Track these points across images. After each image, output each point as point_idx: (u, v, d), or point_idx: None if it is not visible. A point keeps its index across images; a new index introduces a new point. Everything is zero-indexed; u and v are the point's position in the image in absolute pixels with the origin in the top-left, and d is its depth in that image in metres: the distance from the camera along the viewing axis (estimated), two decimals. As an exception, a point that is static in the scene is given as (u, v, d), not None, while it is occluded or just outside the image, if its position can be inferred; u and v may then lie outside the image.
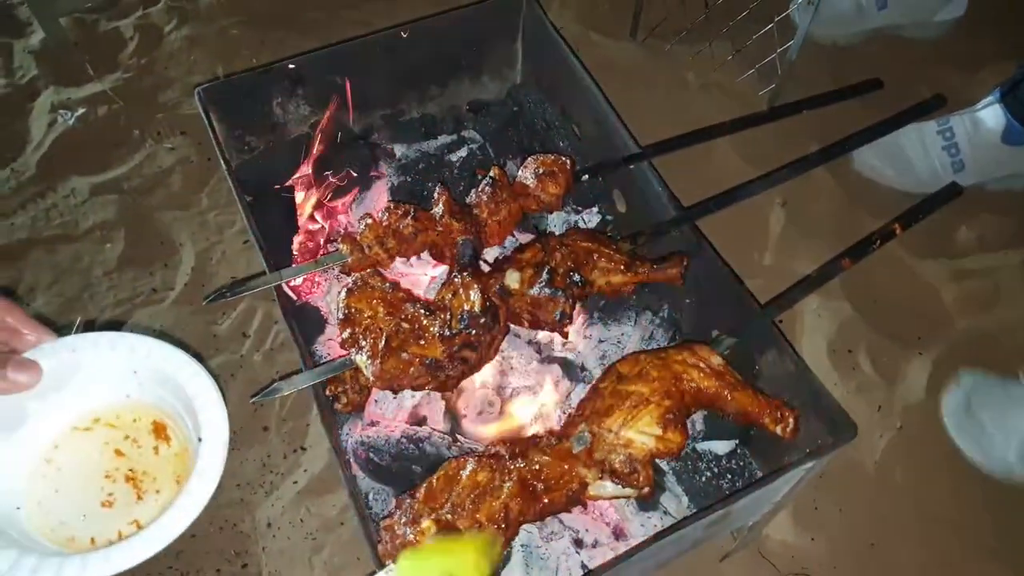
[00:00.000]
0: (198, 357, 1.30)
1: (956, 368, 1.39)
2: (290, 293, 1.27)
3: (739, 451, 1.13)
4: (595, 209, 1.33)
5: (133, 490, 0.78)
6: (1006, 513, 1.25)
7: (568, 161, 1.11)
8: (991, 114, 1.53)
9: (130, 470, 0.79)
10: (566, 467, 0.88)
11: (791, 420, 0.93)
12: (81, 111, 1.73)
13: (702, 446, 1.13)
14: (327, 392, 1.09)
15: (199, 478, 0.75)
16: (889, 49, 1.82)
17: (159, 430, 0.81)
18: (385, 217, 1.04)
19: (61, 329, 0.79)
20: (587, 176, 1.12)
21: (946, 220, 1.56)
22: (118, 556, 0.69)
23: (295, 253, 1.28)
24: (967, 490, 1.28)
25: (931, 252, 1.54)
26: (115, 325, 1.44)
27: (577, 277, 1.00)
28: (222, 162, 1.17)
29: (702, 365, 0.92)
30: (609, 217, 1.33)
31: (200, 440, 0.77)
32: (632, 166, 1.15)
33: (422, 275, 1.26)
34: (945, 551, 1.22)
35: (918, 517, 1.25)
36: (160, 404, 0.82)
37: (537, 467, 0.87)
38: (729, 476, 1.11)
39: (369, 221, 1.04)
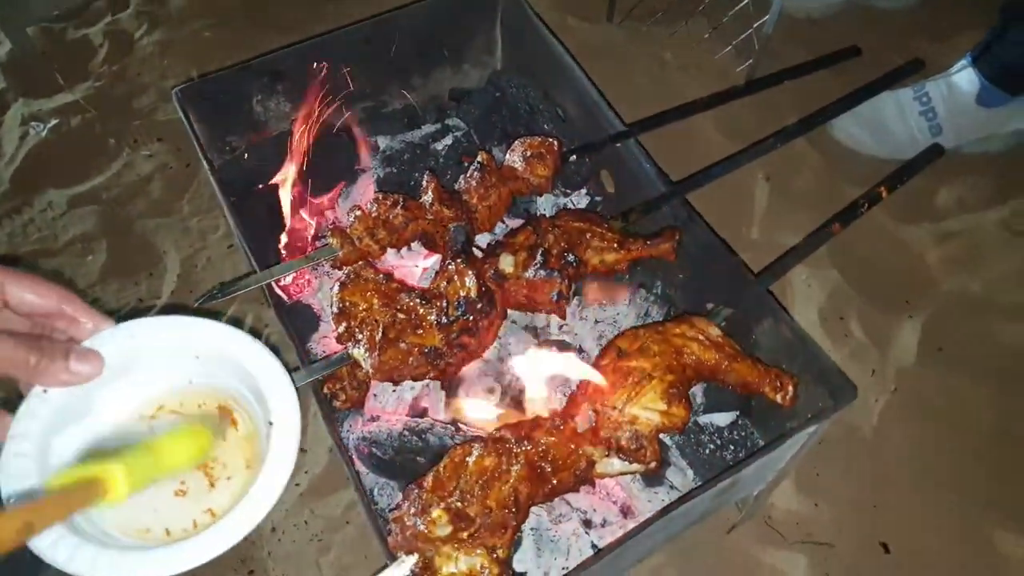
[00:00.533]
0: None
1: (944, 330, 1.41)
2: (281, 293, 1.26)
3: (740, 422, 1.14)
4: (584, 191, 1.34)
5: (205, 478, 0.74)
6: (1001, 465, 1.27)
7: (555, 142, 1.11)
8: (965, 78, 1.55)
9: (200, 454, 0.74)
10: (572, 447, 0.88)
11: (790, 387, 0.93)
12: (53, 122, 1.71)
13: (703, 419, 1.14)
14: (325, 390, 1.08)
15: (273, 463, 0.71)
16: (863, 21, 1.83)
17: (225, 414, 0.77)
18: (374, 208, 1.03)
19: (117, 316, 0.76)
20: (574, 156, 1.12)
21: (926, 185, 1.58)
22: (197, 548, 0.66)
23: (283, 252, 1.27)
24: (963, 446, 1.29)
25: (913, 217, 1.55)
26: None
27: (571, 257, 0.99)
28: (204, 163, 1.16)
29: (701, 337, 0.93)
30: (598, 198, 1.33)
31: (271, 424, 0.74)
32: (619, 144, 1.15)
33: (413, 266, 1.25)
34: (945, 507, 1.24)
35: (917, 476, 1.27)
36: (225, 388, 0.78)
37: (544, 449, 0.87)
38: (732, 447, 1.12)
39: (358, 213, 1.03)
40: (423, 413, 1.14)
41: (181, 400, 0.77)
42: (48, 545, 0.63)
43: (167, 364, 0.76)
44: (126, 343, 0.72)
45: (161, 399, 0.76)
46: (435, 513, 0.82)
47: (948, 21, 1.83)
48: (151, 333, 0.74)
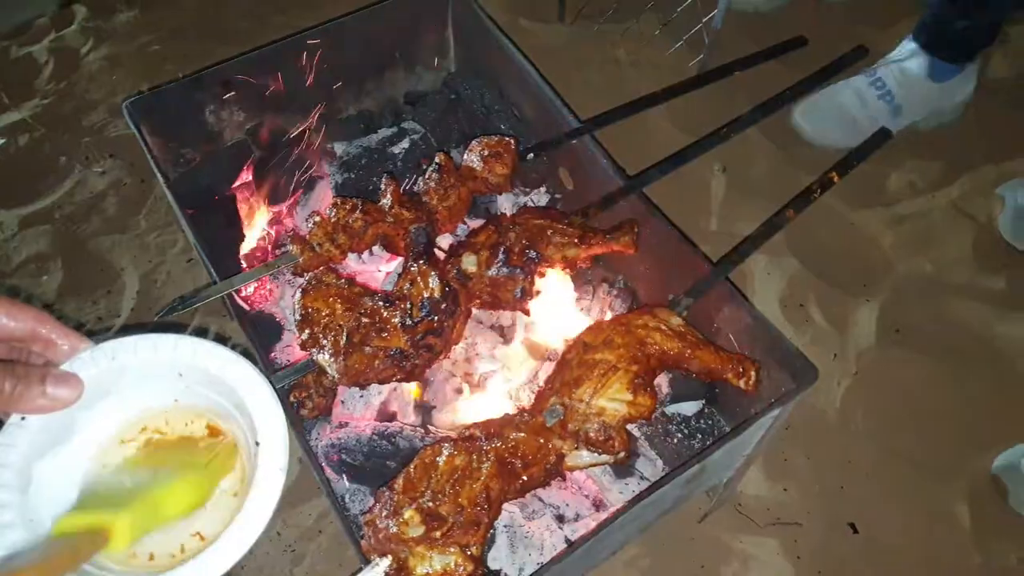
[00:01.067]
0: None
1: (900, 311, 1.44)
2: (242, 303, 1.24)
3: (707, 410, 1.16)
4: (543, 189, 1.34)
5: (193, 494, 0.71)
6: (960, 441, 1.31)
7: (511, 141, 1.11)
8: (913, 58, 1.59)
9: (185, 472, 0.71)
10: (541, 441, 0.88)
11: (752, 373, 0.95)
12: (0, 142, 1.67)
13: (671, 409, 1.15)
14: (291, 399, 1.07)
15: (262, 485, 0.68)
16: (809, 13, 1.87)
17: (214, 434, 0.75)
18: (333, 213, 1.02)
19: (94, 335, 0.74)
20: (532, 154, 1.13)
21: (877, 170, 1.62)
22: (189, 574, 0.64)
23: (243, 262, 1.26)
24: (924, 424, 1.32)
25: (866, 202, 1.59)
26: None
27: (533, 253, 1.00)
28: (158, 176, 1.14)
29: (663, 327, 0.94)
30: (558, 195, 1.34)
31: (257, 444, 0.70)
32: (575, 141, 1.16)
33: (376, 271, 1.25)
34: (909, 484, 1.27)
35: (881, 456, 1.29)
36: (211, 406, 0.76)
37: (513, 445, 0.87)
38: (700, 435, 1.13)
39: (317, 219, 1.02)
40: (392, 417, 1.14)
41: (166, 420, 0.75)
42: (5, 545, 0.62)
43: (150, 384, 0.74)
44: (106, 364, 0.70)
45: (144, 420, 0.74)
46: (407, 514, 0.82)
47: (888, 9, 1.88)
48: (132, 352, 0.72)
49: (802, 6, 1.88)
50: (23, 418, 0.65)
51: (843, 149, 1.61)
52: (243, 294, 1.25)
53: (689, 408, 1.14)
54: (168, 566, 0.66)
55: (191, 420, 0.75)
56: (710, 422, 1.15)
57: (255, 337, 1.04)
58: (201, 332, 1.40)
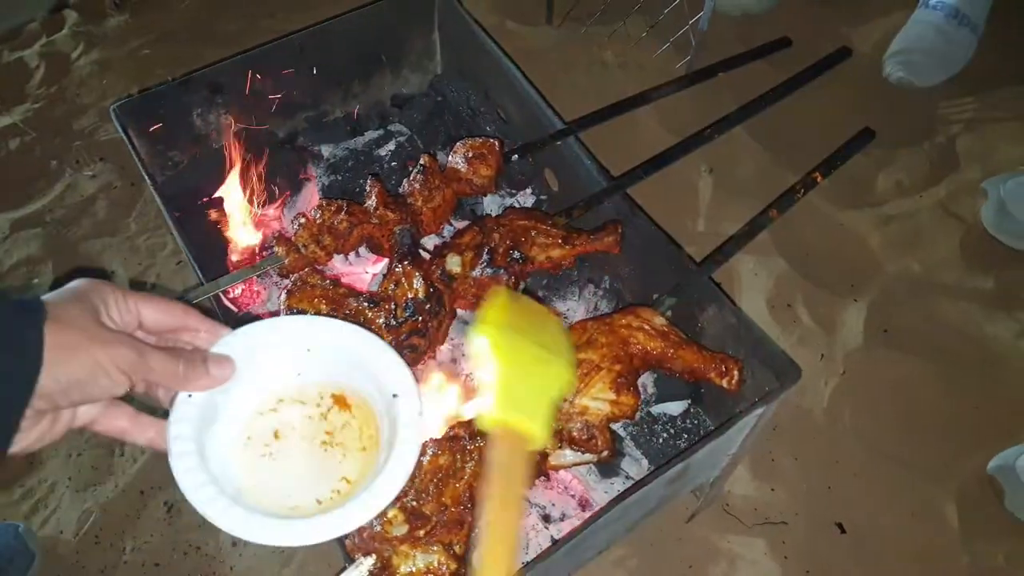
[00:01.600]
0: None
1: (888, 311, 1.44)
2: (230, 305, 1.25)
3: (692, 410, 1.16)
4: (529, 190, 1.35)
5: (337, 450, 0.78)
6: (947, 440, 1.31)
7: (496, 143, 1.12)
8: None
9: (327, 434, 0.79)
10: (525, 440, 0.88)
11: (735, 372, 0.95)
12: (-9, 146, 1.67)
13: (656, 409, 1.15)
14: (278, 399, 1.07)
15: (407, 427, 0.75)
16: (793, 14, 1.88)
17: (340, 401, 0.81)
18: (318, 215, 1.03)
19: None
20: (517, 156, 1.13)
21: (865, 170, 1.62)
22: (342, 518, 0.71)
23: (230, 265, 1.26)
24: (911, 424, 1.33)
25: (854, 203, 1.59)
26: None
27: (517, 254, 1.00)
28: (146, 179, 1.15)
29: (646, 327, 0.94)
30: (543, 196, 1.34)
31: (395, 396, 0.77)
32: (560, 142, 1.16)
33: (363, 273, 1.25)
34: (897, 484, 1.27)
35: (869, 456, 1.30)
36: (338, 377, 0.81)
37: (496, 444, 0.87)
38: (685, 435, 1.14)
39: (303, 220, 1.03)
40: (379, 418, 1.14)
41: (300, 391, 0.81)
42: (205, 500, 0.68)
43: (283, 361, 0.80)
44: (246, 344, 0.76)
45: (280, 393, 0.80)
46: (391, 513, 0.82)
47: (871, 8, 1.89)
48: (266, 334, 0.79)
49: (787, 7, 1.89)
50: (190, 396, 0.72)
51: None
52: (231, 296, 1.25)
53: (675, 408, 1.15)
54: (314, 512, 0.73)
55: (322, 390, 0.81)
56: (695, 422, 1.15)
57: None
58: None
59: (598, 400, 0.87)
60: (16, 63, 1.81)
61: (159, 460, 1.27)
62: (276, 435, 0.77)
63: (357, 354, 0.80)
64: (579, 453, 0.88)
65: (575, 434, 0.86)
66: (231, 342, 0.75)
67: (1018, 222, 1.48)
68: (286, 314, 0.96)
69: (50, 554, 1.20)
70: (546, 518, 1.06)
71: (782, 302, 1.46)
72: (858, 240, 1.55)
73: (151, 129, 1.23)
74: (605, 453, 0.87)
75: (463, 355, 1.17)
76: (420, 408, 0.77)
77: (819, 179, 1.17)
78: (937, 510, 1.25)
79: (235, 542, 1.20)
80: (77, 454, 1.29)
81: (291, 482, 0.75)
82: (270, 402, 0.80)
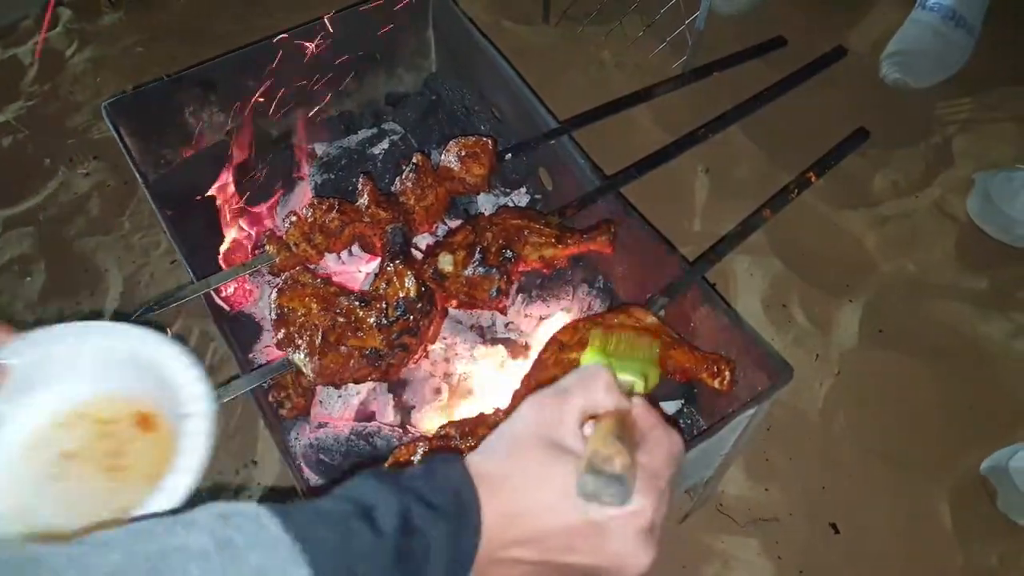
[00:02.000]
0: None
1: (883, 312, 1.44)
2: (222, 304, 1.24)
3: (685, 410, 1.15)
4: (523, 189, 1.34)
5: (122, 475, 0.72)
6: (943, 441, 1.31)
7: (489, 141, 1.11)
8: None
9: (117, 455, 0.73)
10: (516, 440, 0.88)
11: (727, 372, 0.95)
12: (-17, 144, 1.67)
13: (649, 409, 1.15)
14: (270, 399, 1.07)
15: (187, 454, 0.70)
16: (790, 13, 1.87)
17: (143, 419, 0.76)
18: (310, 213, 1.03)
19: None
20: (510, 155, 1.13)
21: (860, 170, 1.62)
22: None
23: (223, 263, 1.26)
24: (906, 425, 1.32)
25: (850, 202, 1.59)
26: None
27: (509, 253, 1.00)
28: (138, 177, 1.14)
29: (638, 326, 0.94)
30: (538, 196, 1.34)
31: (184, 416, 0.72)
32: (553, 141, 1.16)
33: (355, 271, 1.24)
34: (892, 485, 1.26)
35: (863, 456, 1.29)
36: (139, 391, 0.76)
37: (487, 443, 0.87)
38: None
39: (294, 219, 1.02)
40: (371, 417, 1.13)
41: (95, 405, 0.76)
42: None
43: (78, 370, 0.75)
44: (31, 353, 0.72)
45: (75, 406, 0.75)
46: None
47: (868, 8, 1.89)
48: (59, 341, 0.74)
49: (783, 7, 1.89)
50: None
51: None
52: (223, 295, 1.25)
53: (667, 408, 1.14)
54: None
55: (119, 406, 0.76)
56: (689, 422, 1.15)
57: (233, 337, 1.04)
58: (185, 333, 1.40)
59: (589, 400, 0.87)
60: (9, 60, 1.80)
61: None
62: (63, 453, 0.71)
63: (163, 368, 0.74)
64: (570, 453, 0.87)
65: (566, 434, 0.86)
66: (18, 348, 0.71)
67: (1003, 214, 1.49)
68: (276, 312, 0.95)
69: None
70: (538, 518, 1.06)
71: (777, 302, 1.46)
72: (854, 240, 1.55)
73: (142, 127, 1.22)
74: (596, 453, 0.86)
75: (456, 354, 1.17)
76: (208, 432, 0.71)
77: (813, 179, 1.17)
78: (931, 510, 1.25)
79: (227, 542, 1.20)
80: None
81: (67, 507, 0.69)
82: (63, 415, 0.75)
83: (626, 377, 0.66)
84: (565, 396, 0.56)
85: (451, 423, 0.91)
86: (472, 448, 0.86)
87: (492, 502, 0.52)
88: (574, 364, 0.90)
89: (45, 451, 0.72)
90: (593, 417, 0.56)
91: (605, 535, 0.52)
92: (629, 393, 0.63)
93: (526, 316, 1.23)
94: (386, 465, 0.86)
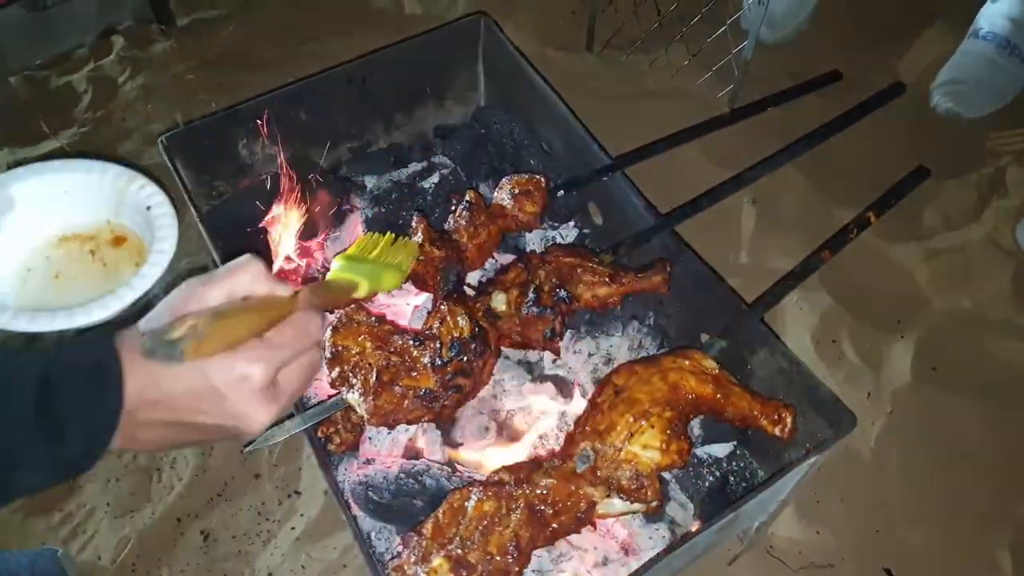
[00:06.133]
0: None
1: (937, 349, 1.41)
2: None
3: (739, 452, 1.13)
4: (572, 224, 1.34)
5: (114, 269, 0.98)
6: (1001, 484, 1.27)
7: (543, 179, 1.11)
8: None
9: (104, 264, 0.96)
10: (572, 488, 0.87)
11: (788, 420, 0.93)
12: (38, 170, 1.70)
13: (702, 450, 1.13)
14: (319, 434, 1.07)
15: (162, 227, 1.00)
16: (836, 42, 1.85)
17: (118, 239, 0.99)
18: (365, 251, 1.02)
19: None
20: (562, 192, 1.12)
21: (912, 203, 1.57)
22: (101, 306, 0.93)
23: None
24: (962, 466, 1.29)
25: (901, 236, 1.56)
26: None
27: (563, 293, 0.99)
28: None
29: (697, 371, 0.92)
30: (586, 231, 1.33)
31: (149, 208, 1.01)
32: (605, 178, 1.15)
33: (404, 304, 1.24)
34: (947, 529, 1.23)
35: (918, 499, 1.26)
36: (120, 218, 0.99)
37: (543, 491, 0.86)
38: (732, 478, 1.11)
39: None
40: (419, 455, 1.13)
41: (83, 227, 1.01)
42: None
43: (50, 206, 0.98)
44: (27, 184, 0.96)
45: (65, 229, 1.00)
46: (436, 561, 0.81)
47: (917, 37, 1.87)
48: (23, 180, 0.97)
49: (830, 36, 1.86)
50: None
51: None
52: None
53: (721, 450, 1.12)
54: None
55: (101, 227, 1.06)
56: (742, 464, 1.12)
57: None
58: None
59: (648, 448, 0.85)
60: (64, 87, 1.84)
61: (196, 487, 1.27)
62: (57, 273, 0.96)
63: (120, 189, 0.97)
64: (627, 503, 0.86)
65: (624, 483, 0.85)
66: (19, 175, 0.94)
67: None
68: (331, 351, 0.95)
69: (88, 580, 1.20)
70: (589, 562, 1.04)
71: (827, 338, 1.43)
72: (905, 274, 1.52)
73: (196, 159, 1.24)
74: (655, 504, 0.85)
75: (504, 391, 1.16)
76: (172, 212, 0.98)
77: (873, 219, 1.15)
78: (989, 556, 1.21)
79: (271, 573, 1.20)
80: (116, 479, 1.30)
81: (76, 299, 0.93)
82: (45, 241, 0.97)
83: (346, 276, 0.81)
84: (211, 280, 0.65)
85: (505, 468, 0.89)
86: (528, 496, 0.85)
87: (134, 370, 0.59)
88: (630, 409, 0.88)
89: (41, 268, 0.96)
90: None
91: (223, 397, 0.61)
92: (348, 291, 0.80)
93: (575, 353, 1.22)
94: (440, 512, 0.85)
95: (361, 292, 0.81)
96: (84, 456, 0.58)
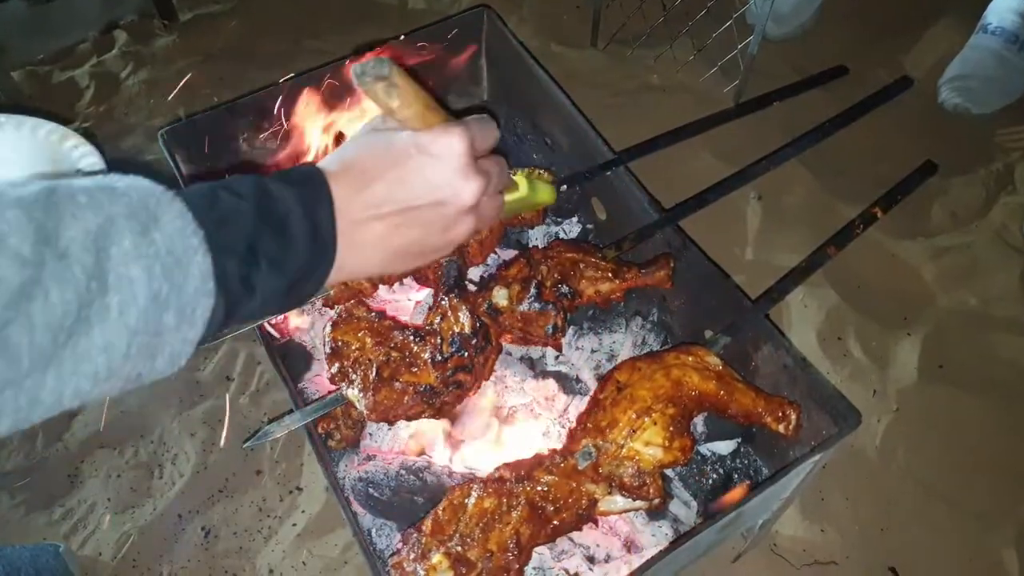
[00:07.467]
0: (183, 403, 1.28)
1: (943, 346, 1.39)
2: (273, 331, 1.24)
3: (743, 449, 1.12)
4: (575, 219, 1.33)
5: None
6: (1007, 482, 1.26)
7: (546, 173, 1.10)
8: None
9: None
10: (574, 485, 0.86)
11: (793, 417, 0.92)
12: (41, 165, 1.69)
13: (705, 448, 1.12)
14: (319, 430, 1.06)
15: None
16: (843, 37, 1.83)
17: None
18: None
19: None
20: (565, 186, 1.11)
21: (919, 200, 1.57)
22: None
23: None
24: (969, 465, 1.28)
25: (908, 233, 1.55)
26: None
27: (566, 288, 0.98)
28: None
29: (701, 367, 0.91)
30: (589, 226, 1.32)
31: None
32: (608, 172, 1.14)
33: (405, 300, 1.24)
34: (953, 527, 1.22)
35: (923, 497, 1.25)
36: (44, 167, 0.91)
37: (544, 488, 0.85)
38: (735, 476, 1.10)
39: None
40: (420, 451, 1.12)
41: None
42: None
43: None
44: None
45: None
46: (435, 558, 0.80)
47: (924, 32, 1.85)
48: None
49: (836, 31, 1.85)
50: None
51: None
52: (273, 322, 1.24)
53: (724, 447, 1.11)
54: None
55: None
56: (746, 461, 1.11)
57: (283, 366, 1.03)
58: (232, 356, 1.41)
59: (651, 445, 0.85)
60: (67, 82, 1.84)
61: (197, 483, 1.27)
62: None
63: (52, 146, 0.90)
64: (630, 500, 0.85)
65: (626, 480, 0.84)
66: None
67: None
68: (331, 346, 0.95)
69: (88, 576, 1.20)
70: (590, 559, 1.04)
71: (833, 335, 1.42)
72: (911, 271, 1.51)
73: (197, 154, 1.23)
74: (657, 501, 0.84)
75: (506, 387, 1.15)
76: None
77: (879, 214, 1.13)
78: (995, 555, 1.20)
79: (272, 569, 1.19)
80: (116, 475, 1.29)
81: None
82: None
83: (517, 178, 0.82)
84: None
85: (506, 464, 0.89)
86: (529, 492, 0.84)
87: (344, 178, 0.60)
88: (633, 405, 0.87)
89: None
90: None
91: (431, 159, 0.61)
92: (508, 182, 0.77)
93: (577, 349, 1.21)
94: (440, 509, 0.84)
95: (520, 192, 0.81)
96: (313, 260, 0.58)
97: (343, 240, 0.59)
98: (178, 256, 0.48)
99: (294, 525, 1.23)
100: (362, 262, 0.63)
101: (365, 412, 0.91)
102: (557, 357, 1.20)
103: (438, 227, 0.64)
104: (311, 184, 0.58)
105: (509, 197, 0.80)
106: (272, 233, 0.55)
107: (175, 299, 0.48)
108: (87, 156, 0.92)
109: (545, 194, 0.88)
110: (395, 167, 0.61)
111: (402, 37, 1.31)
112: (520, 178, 0.82)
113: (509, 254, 1.20)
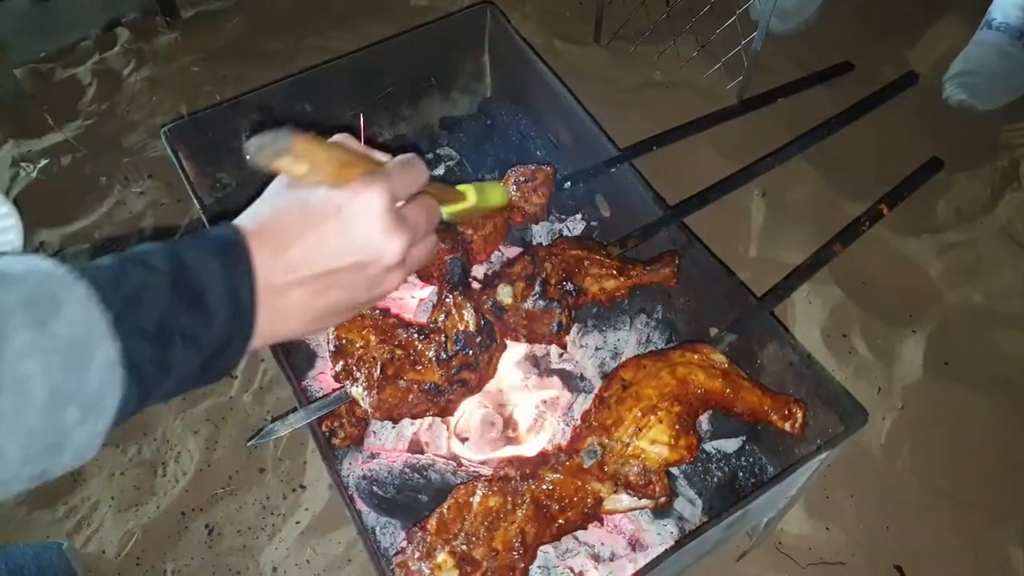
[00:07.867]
0: (185, 401, 1.27)
1: (948, 343, 1.39)
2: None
3: (748, 447, 1.12)
4: (579, 216, 1.32)
5: None
6: (1013, 480, 1.25)
7: (549, 170, 1.09)
8: None
9: None
10: (579, 483, 0.85)
11: (799, 415, 0.91)
12: (44, 162, 1.69)
13: (710, 445, 1.12)
14: (323, 428, 1.06)
15: None
16: (847, 33, 1.83)
17: None
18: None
19: None
20: (569, 183, 1.11)
21: (924, 196, 1.56)
22: None
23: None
24: (974, 462, 1.27)
25: (913, 230, 1.54)
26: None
27: (570, 286, 0.98)
28: (195, 201, 1.14)
29: (707, 365, 0.91)
30: (594, 223, 1.32)
31: None
32: (613, 169, 1.13)
33: (409, 297, 1.23)
34: (959, 525, 1.21)
35: (929, 495, 1.24)
36: None
37: (549, 486, 0.85)
38: (741, 473, 1.10)
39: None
40: (424, 449, 1.12)
41: None
42: None
43: None
44: None
45: None
46: (440, 557, 0.80)
47: (929, 28, 1.84)
48: None
49: (841, 27, 1.84)
50: None
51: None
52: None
53: (730, 445, 1.11)
54: None
55: None
56: (752, 459, 1.11)
57: (287, 364, 1.03)
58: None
59: (656, 443, 0.84)
60: (70, 80, 1.84)
61: (200, 481, 1.27)
62: None
63: None
64: (635, 499, 0.85)
65: (632, 478, 0.83)
66: None
67: None
68: (334, 344, 0.94)
69: (92, 574, 1.20)
70: (595, 558, 1.03)
71: (837, 332, 1.41)
72: (916, 268, 1.50)
73: (199, 151, 1.23)
74: (663, 500, 0.83)
75: (510, 385, 1.14)
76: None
77: (885, 211, 1.13)
78: (1001, 553, 1.19)
79: (275, 567, 1.19)
80: (120, 473, 1.29)
81: None
82: None
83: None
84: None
85: (511, 462, 0.88)
86: (534, 491, 0.84)
87: (262, 242, 0.57)
88: (638, 404, 0.87)
89: None
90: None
91: (350, 221, 0.58)
92: (456, 197, 0.79)
93: (582, 346, 1.20)
94: (445, 507, 0.84)
95: (469, 201, 0.80)
96: (231, 333, 0.55)
97: (263, 308, 0.56)
98: (81, 346, 0.45)
99: (298, 523, 1.23)
100: (283, 328, 0.60)
101: (369, 410, 0.91)
102: (561, 355, 1.20)
103: (362, 287, 0.62)
104: (232, 251, 0.55)
105: (458, 207, 0.79)
106: (188, 308, 0.52)
107: (78, 393, 0.45)
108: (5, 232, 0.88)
109: (496, 197, 0.88)
110: (314, 229, 0.58)
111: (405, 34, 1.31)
112: (467, 188, 0.81)
113: (514, 251, 1.20)
